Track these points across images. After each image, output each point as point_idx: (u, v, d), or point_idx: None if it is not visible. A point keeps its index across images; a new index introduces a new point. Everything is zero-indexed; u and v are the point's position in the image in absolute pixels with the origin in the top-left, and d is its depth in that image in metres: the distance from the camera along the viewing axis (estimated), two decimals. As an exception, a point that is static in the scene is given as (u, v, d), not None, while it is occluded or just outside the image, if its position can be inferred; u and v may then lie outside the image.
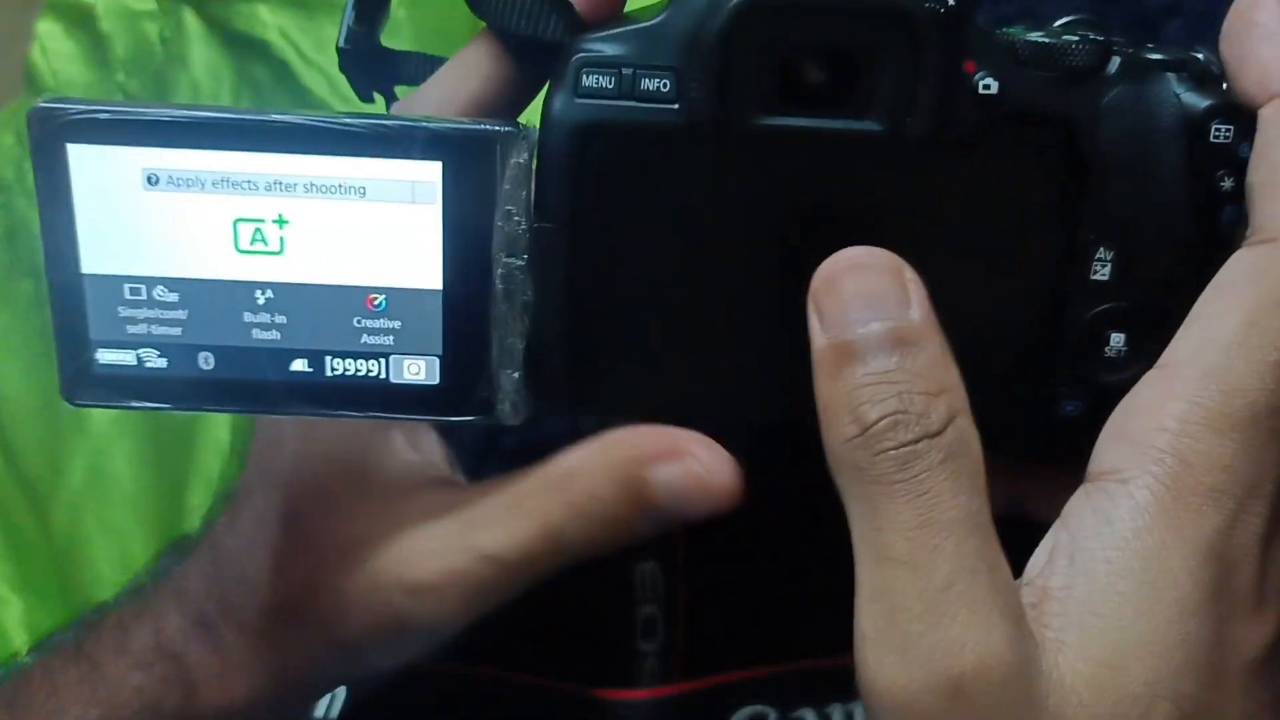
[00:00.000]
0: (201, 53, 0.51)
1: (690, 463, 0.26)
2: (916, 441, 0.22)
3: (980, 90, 0.25)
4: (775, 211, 0.26)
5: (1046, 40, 0.25)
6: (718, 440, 0.27)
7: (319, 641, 0.30)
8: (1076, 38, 0.25)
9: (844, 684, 0.34)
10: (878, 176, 0.26)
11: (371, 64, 0.30)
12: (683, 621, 0.36)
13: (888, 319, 0.23)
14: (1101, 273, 0.26)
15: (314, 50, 0.49)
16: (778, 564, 0.35)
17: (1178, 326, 0.25)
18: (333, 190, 0.26)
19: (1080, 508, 0.23)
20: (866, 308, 0.23)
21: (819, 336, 0.23)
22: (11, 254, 0.52)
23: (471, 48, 0.28)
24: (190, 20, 0.51)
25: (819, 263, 0.25)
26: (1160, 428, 0.23)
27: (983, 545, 0.22)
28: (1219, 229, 0.26)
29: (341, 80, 0.31)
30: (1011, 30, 0.26)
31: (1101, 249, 0.26)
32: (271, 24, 0.49)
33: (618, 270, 0.27)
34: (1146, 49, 0.26)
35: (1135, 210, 0.26)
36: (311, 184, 0.26)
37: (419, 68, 0.31)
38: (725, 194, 0.26)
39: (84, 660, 0.32)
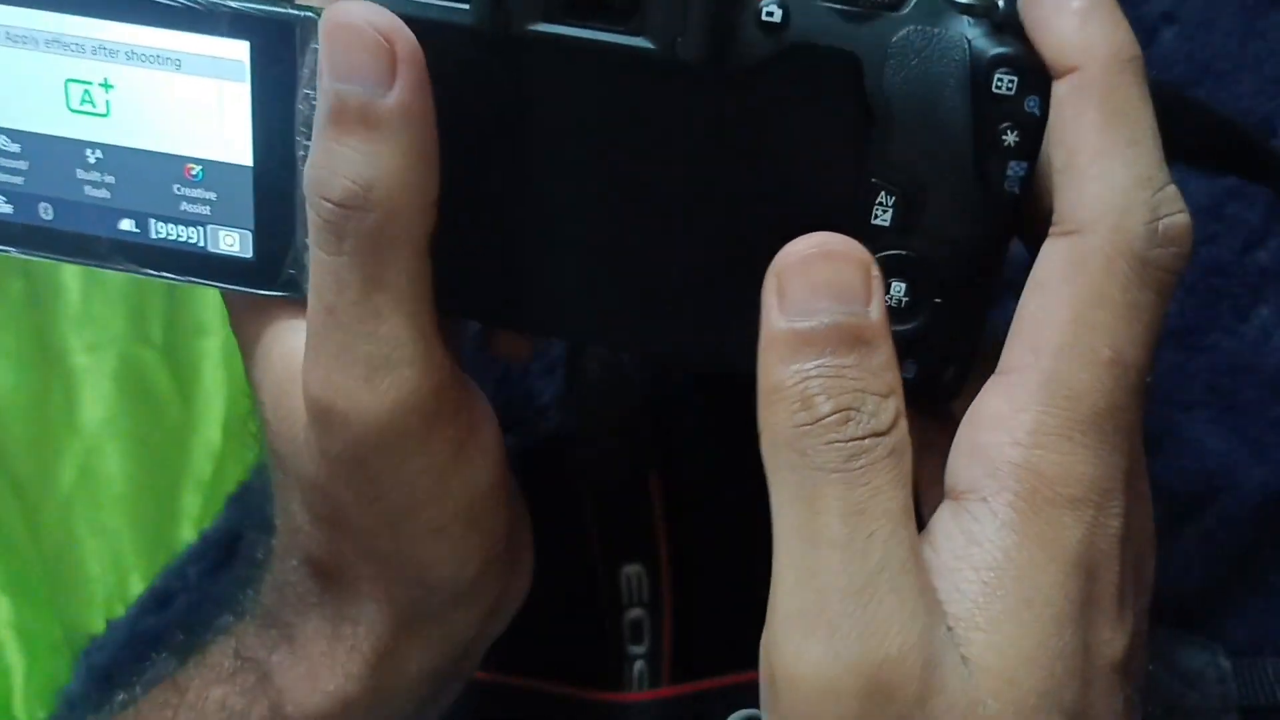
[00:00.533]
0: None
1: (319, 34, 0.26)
2: (864, 438, 0.22)
3: (764, 17, 0.24)
4: (554, 124, 0.26)
5: None
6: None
7: (390, 624, 0.29)
8: None
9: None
10: (657, 98, 0.25)
11: None
12: (670, 625, 0.35)
13: (850, 314, 0.23)
14: (882, 218, 0.25)
15: None
16: (766, 566, 0.35)
17: (961, 280, 0.25)
18: (151, 60, 0.28)
19: (947, 528, 0.23)
20: (832, 299, 0.23)
21: (777, 318, 0.23)
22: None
23: None
24: None
25: (605, 185, 0.26)
26: (1013, 442, 0.23)
27: (911, 540, 0.22)
28: (1002, 183, 0.25)
29: None
30: None
31: (883, 194, 0.25)
32: None
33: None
34: None
35: (919, 157, 0.25)
36: (133, 52, 0.28)
37: None
38: (508, 99, 0.26)
39: (168, 686, 0.32)
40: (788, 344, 0.23)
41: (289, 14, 0.27)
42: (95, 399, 0.49)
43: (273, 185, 0.28)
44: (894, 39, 0.24)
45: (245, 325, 0.30)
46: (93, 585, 0.47)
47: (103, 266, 0.29)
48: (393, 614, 0.29)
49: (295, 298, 0.28)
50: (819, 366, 0.23)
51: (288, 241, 0.28)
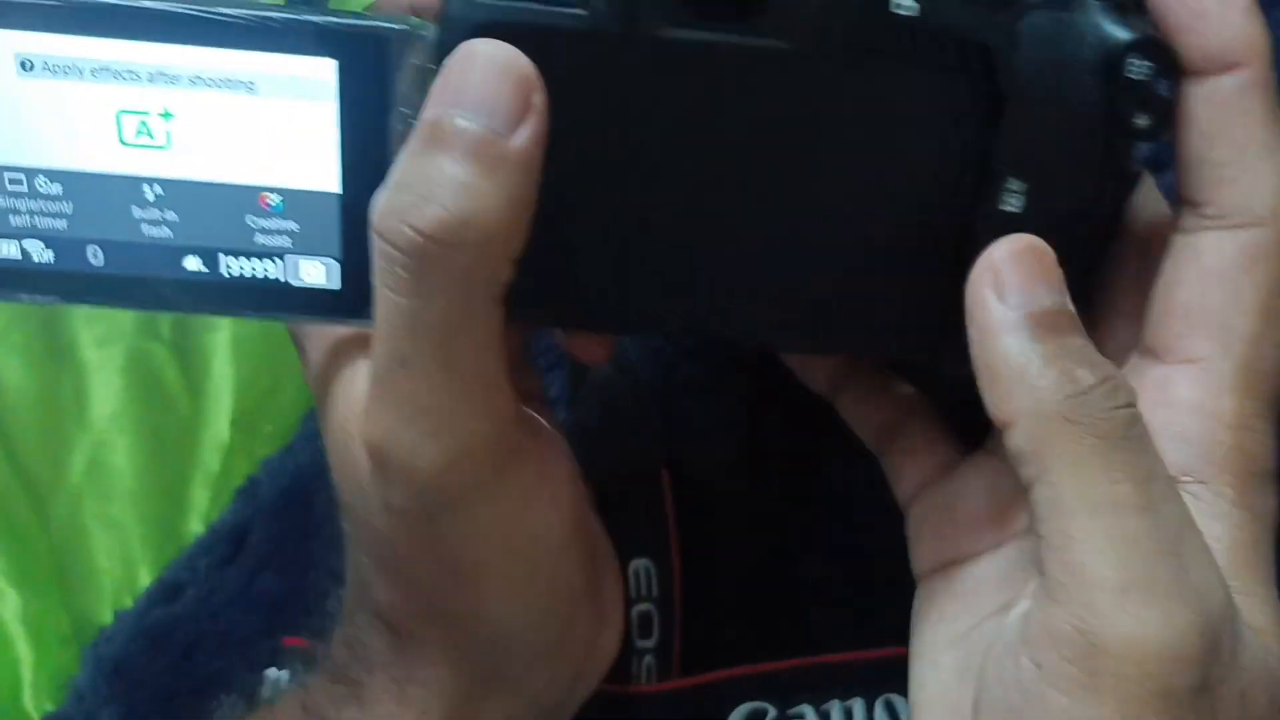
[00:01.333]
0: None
1: (454, 64, 0.24)
2: (1128, 406, 0.23)
3: (894, 9, 0.24)
4: (678, 125, 0.26)
5: None
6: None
7: (463, 689, 0.29)
8: None
9: (842, 680, 0.34)
10: (786, 94, 0.25)
11: None
12: (679, 618, 0.36)
13: (1062, 302, 0.24)
14: (1012, 203, 0.26)
15: None
16: (774, 560, 0.36)
17: (1086, 261, 0.25)
18: (220, 84, 0.25)
19: None
20: (1046, 289, 0.24)
21: (1002, 308, 0.24)
22: (13, 248, 0.52)
23: None
24: None
25: (735, 177, 0.26)
26: (1224, 425, 0.24)
27: (1185, 505, 0.23)
28: (1130, 164, 0.25)
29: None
30: None
31: (1012, 178, 0.25)
32: None
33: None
34: None
35: (1049, 141, 0.25)
36: (198, 77, 0.25)
37: None
38: (628, 105, 0.25)
39: None
40: (1026, 328, 0.23)
41: (384, 27, 0.25)
42: (104, 393, 0.49)
43: (363, 210, 0.25)
44: (1025, 26, 0.25)
45: (318, 371, 0.28)
46: (101, 578, 0.47)
47: (166, 311, 0.27)
48: (465, 678, 0.28)
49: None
50: (1063, 345, 0.23)
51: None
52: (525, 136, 0.24)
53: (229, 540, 0.46)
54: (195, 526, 0.47)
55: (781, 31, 0.25)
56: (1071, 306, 0.24)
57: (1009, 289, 0.24)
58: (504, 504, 0.26)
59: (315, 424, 0.46)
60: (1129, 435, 0.23)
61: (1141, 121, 0.25)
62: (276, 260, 0.26)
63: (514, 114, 0.24)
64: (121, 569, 0.47)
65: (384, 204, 0.24)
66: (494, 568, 0.27)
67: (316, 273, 0.27)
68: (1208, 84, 0.24)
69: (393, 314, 0.24)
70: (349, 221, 0.26)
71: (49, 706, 0.46)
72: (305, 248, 0.26)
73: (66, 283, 0.27)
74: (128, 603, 0.47)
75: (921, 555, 0.30)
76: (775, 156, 0.26)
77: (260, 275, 0.26)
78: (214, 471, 0.48)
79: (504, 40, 0.24)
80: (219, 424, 0.48)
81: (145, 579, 0.47)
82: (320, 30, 0.25)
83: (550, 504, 0.28)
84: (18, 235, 0.26)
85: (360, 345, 0.27)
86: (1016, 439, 0.23)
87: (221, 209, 0.26)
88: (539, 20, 0.24)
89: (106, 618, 0.47)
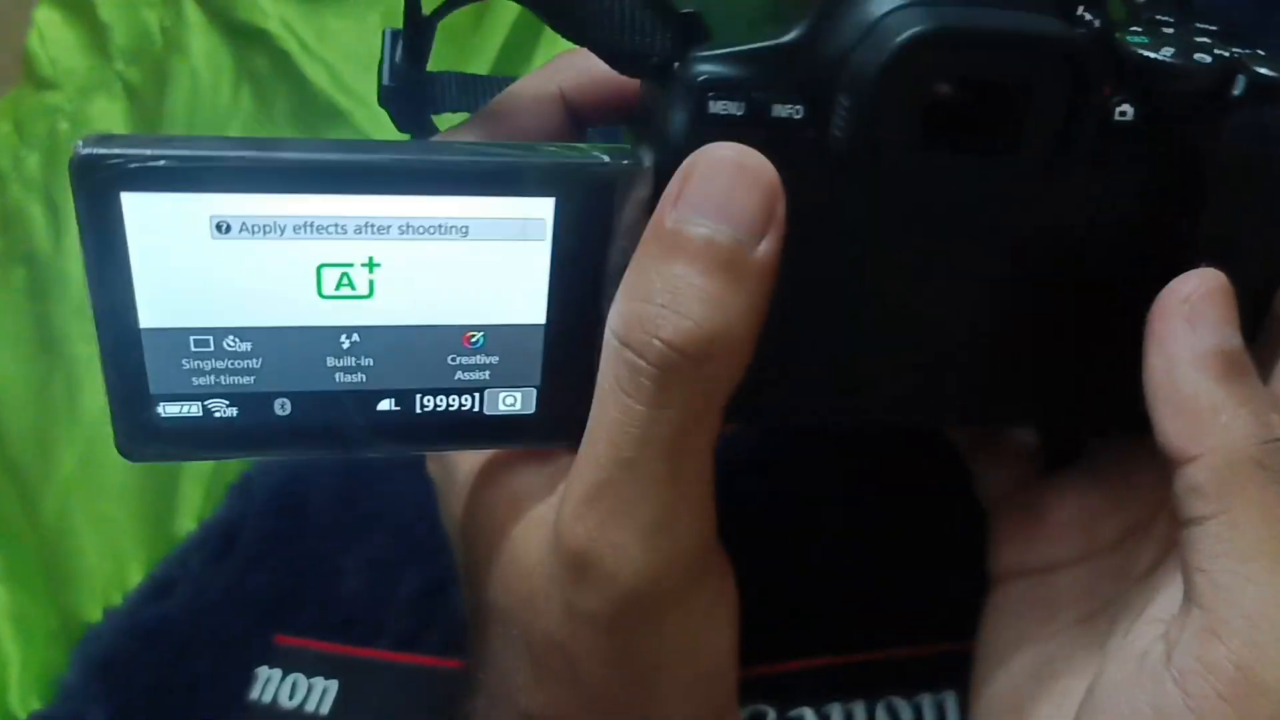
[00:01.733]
0: (202, 42, 0.50)
1: (700, 169, 0.24)
2: None
3: (1117, 117, 0.24)
4: (913, 236, 0.26)
5: (1176, 61, 0.24)
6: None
7: None
8: (1211, 59, 0.25)
9: (842, 682, 0.34)
10: (1016, 196, 0.25)
11: (414, 94, 0.29)
12: None
13: (1243, 344, 0.24)
14: None
15: (315, 41, 0.48)
16: (772, 565, 0.35)
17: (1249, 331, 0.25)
18: (431, 231, 0.23)
19: None
20: (1233, 325, 0.24)
21: (1196, 342, 0.24)
22: (5, 242, 0.52)
23: (571, 52, 0.27)
24: (190, 9, 0.51)
25: (961, 285, 0.26)
26: None
27: None
28: None
29: (344, 70, 0.31)
30: (1128, 36, 0.25)
31: (1205, 263, 0.26)
32: (273, 14, 0.49)
33: None
34: (1264, 61, 0.25)
35: (1247, 234, 0.26)
36: (408, 225, 0.23)
37: (461, 93, 0.30)
38: (863, 221, 0.25)
39: None
40: (1217, 365, 0.24)
41: (606, 164, 0.24)
42: (96, 388, 0.49)
43: (568, 339, 0.25)
44: (1231, 123, 0.25)
45: (468, 483, 0.28)
46: (91, 575, 0.47)
47: (353, 454, 0.26)
48: None
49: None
50: (1253, 388, 0.24)
51: (582, 390, 0.25)
52: (769, 248, 0.23)
53: (220, 537, 0.45)
54: (187, 523, 0.47)
55: (1020, 150, 0.24)
56: (1249, 357, 0.24)
57: (1203, 321, 0.24)
58: (694, 613, 0.26)
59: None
60: None
61: None
62: (473, 394, 0.26)
63: (760, 224, 0.23)
64: (112, 566, 0.47)
65: (627, 313, 0.23)
66: (675, 672, 0.27)
67: (512, 400, 0.26)
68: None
69: (627, 421, 0.23)
70: (552, 350, 0.25)
71: (36, 705, 0.46)
72: (504, 380, 0.26)
73: (249, 436, 0.25)
74: (117, 600, 0.46)
75: (1002, 558, 0.30)
76: (1006, 258, 0.26)
77: (455, 409, 0.26)
78: (206, 468, 0.47)
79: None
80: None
81: (136, 576, 0.46)
82: (539, 170, 0.24)
83: (726, 613, 0.27)
84: (200, 396, 0.24)
85: (515, 459, 0.27)
86: (1199, 474, 0.23)
87: (423, 351, 0.25)
88: (769, 143, 0.23)
89: (96, 615, 0.46)
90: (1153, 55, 0.24)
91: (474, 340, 0.25)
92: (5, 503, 0.49)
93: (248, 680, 0.41)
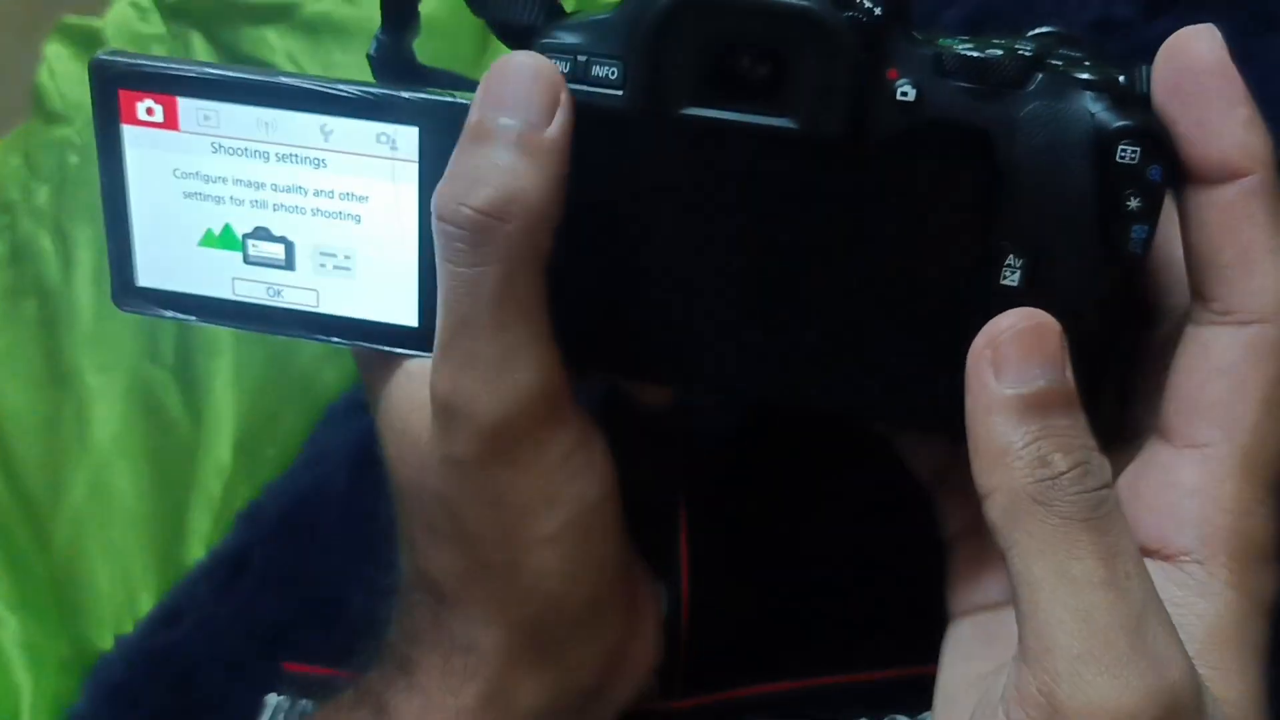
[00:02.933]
0: (209, 76, 0.51)
1: (490, 76, 0.28)
2: (1100, 489, 0.25)
3: (899, 96, 0.26)
4: (705, 198, 0.28)
5: (972, 54, 0.26)
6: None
7: (503, 651, 0.31)
8: (1002, 52, 0.26)
9: (846, 701, 0.34)
10: (795, 172, 0.27)
11: (396, 67, 0.32)
12: (685, 641, 0.36)
13: (1059, 380, 0.25)
14: (1011, 278, 0.27)
15: (321, 73, 0.49)
16: (782, 583, 0.36)
17: (1093, 339, 0.26)
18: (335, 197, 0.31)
19: (1165, 585, 0.25)
20: (1042, 366, 0.25)
21: (996, 386, 0.25)
22: (16, 274, 0.53)
23: None
24: (198, 44, 0.52)
25: (752, 251, 0.28)
26: (1221, 510, 0.26)
27: (1151, 581, 0.25)
28: (1125, 245, 0.26)
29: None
30: (947, 41, 0.27)
31: (1012, 255, 0.27)
32: (279, 48, 0.50)
33: (582, 238, 0.29)
34: (1081, 66, 0.27)
35: (1046, 221, 0.26)
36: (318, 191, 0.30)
37: (450, 85, 0.32)
38: (661, 178, 0.28)
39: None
40: (1013, 409, 0.25)
41: (461, 103, 0.29)
42: (105, 418, 0.49)
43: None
44: (1021, 114, 0.26)
45: (375, 380, 0.32)
46: (102, 603, 0.47)
47: (273, 334, 0.32)
48: (505, 640, 0.31)
49: None
50: (1045, 428, 0.25)
51: None
52: (558, 126, 0.27)
53: (229, 565, 0.46)
54: (196, 551, 0.47)
55: (793, 113, 0.27)
56: (1070, 382, 0.25)
57: (1006, 366, 0.25)
58: (550, 457, 0.29)
59: (318, 448, 0.47)
60: (1096, 515, 0.24)
61: (1133, 204, 0.26)
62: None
63: (547, 109, 0.27)
64: (122, 594, 0.47)
65: (442, 192, 0.28)
66: (538, 517, 0.30)
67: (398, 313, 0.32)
68: (1213, 191, 0.26)
69: (455, 284, 0.28)
70: (426, 267, 0.30)
71: (48, 733, 0.46)
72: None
73: (202, 308, 0.32)
74: (128, 628, 0.47)
75: (956, 596, 0.31)
76: (784, 227, 0.28)
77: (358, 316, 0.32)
78: (215, 496, 0.48)
79: None
80: (220, 449, 0.48)
81: (146, 604, 0.47)
82: (408, 103, 0.29)
83: (589, 466, 0.30)
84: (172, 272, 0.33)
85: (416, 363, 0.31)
86: (991, 512, 0.25)
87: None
88: (587, 100, 0.28)
89: (106, 643, 0.47)
90: (949, 48, 0.26)
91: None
92: (17, 532, 0.49)
93: (257, 707, 0.41)
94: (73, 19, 0.55)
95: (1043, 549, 0.24)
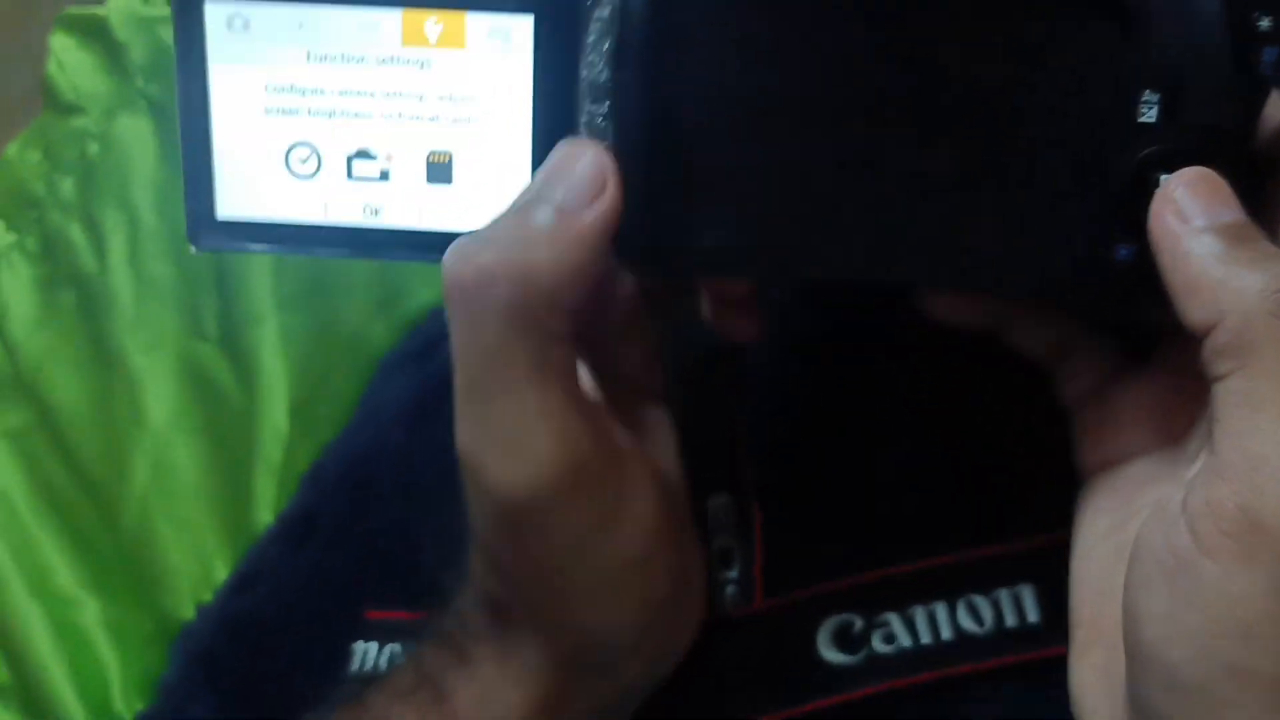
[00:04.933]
0: (220, 51, 0.51)
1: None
2: None
3: None
4: (844, 65, 0.27)
5: None
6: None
7: (554, 668, 0.31)
8: None
9: (923, 586, 0.35)
10: (934, 28, 0.27)
11: None
12: (760, 549, 0.37)
13: (1243, 217, 0.26)
14: (1148, 115, 0.27)
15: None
16: (847, 479, 0.37)
17: (1224, 163, 0.26)
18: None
19: None
20: (1227, 208, 0.26)
21: (1191, 227, 0.25)
22: (50, 268, 0.53)
23: None
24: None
25: (890, 116, 0.27)
26: None
27: None
28: (1259, 69, 0.26)
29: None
30: None
31: (1147, 92, 0.27)
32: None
33: (696, 122, 0.28)
34: None
35: (1179, 53, 0.26)
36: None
37: None
38: (796, 46, 0.27)
39: (356, 707, 0.33)
40: (1218, 239, 0.25)
41: None
42: (159, 397, 0.50)
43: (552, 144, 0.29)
44: None
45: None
46: (178, 576, 0.48)
47: (367, 256, 0.31)
48: (560, 663, 0.31)
49: None
50: (1258, 249, 0.25)
51: None
52: (593, 214, 0.27)
53: (299, 526, 0.47)
54: (265, 516, 0.48)
55: None
56: (1250, 221, 0.25)
57: (1193, 213, 0.26)
58: (581, 524, 0.29)
59: (373, 404, 0.48)
60: None
61: (1264, 24, 0.26)
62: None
63: (586, 194, 0.27)
64: (197, 565, 0.48)
65: (460, 241, 0.27)
66: (575, 579, 0.30)
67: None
68: None
69: (459, 342, 0.27)
70: (540, 161, 0.29)
71: (140, 706, 0.47)
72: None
73: (290, 235, 0.31)
74: (207, 597, 0.48)
75: (1086, 454, 0.31)
76: (927, 94, 0.27)
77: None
78: (277, 462, 0.49)
79: None
80: (276, 415, 0.49)
81: (221, 572, 0.48)
82: None
83: (628, 525, 0.30)
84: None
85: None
86: (1219, 338, 0.25)
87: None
88: None
89: (188, 613, 0.48)
90: None
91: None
92: (85, 519, 0.50)
93: (346, 656, 0.42)
94: (75, 10, 0.56)
95: (1278, 364, 0.24)
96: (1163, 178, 0.26)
